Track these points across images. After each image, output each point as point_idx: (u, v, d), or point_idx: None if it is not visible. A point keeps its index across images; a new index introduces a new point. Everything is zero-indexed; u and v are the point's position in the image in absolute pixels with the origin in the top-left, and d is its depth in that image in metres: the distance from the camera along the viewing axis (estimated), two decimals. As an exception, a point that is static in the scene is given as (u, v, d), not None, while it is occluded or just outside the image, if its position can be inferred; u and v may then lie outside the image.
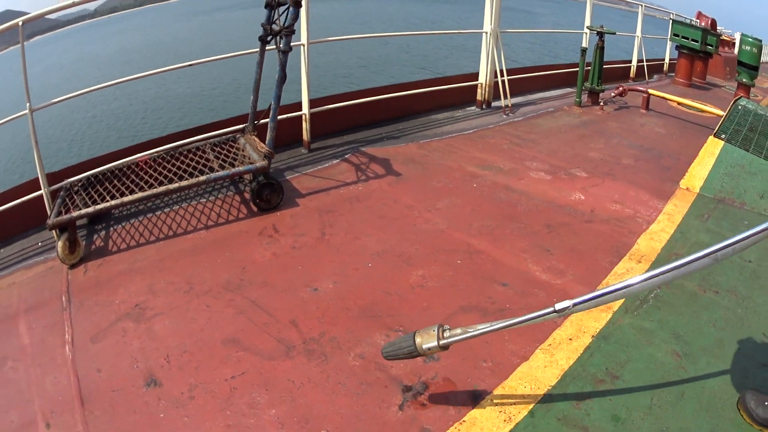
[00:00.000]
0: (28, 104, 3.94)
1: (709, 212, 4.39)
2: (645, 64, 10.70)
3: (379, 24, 52.86)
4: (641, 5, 10.66)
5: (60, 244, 3.62)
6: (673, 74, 10.87)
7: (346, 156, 5.15)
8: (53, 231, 3.80)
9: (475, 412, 2.24)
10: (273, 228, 3.83)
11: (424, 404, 2.28)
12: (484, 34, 6.99)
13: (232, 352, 2.63)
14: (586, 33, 8.50)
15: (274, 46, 4.39)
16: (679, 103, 7.81)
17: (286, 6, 4.22)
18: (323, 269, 3.30)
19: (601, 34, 7.72)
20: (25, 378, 2.74)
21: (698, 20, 11.02)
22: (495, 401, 2.30)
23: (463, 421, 2.20)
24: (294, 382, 2.42)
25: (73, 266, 3.65)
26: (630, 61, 10.83)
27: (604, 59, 7.75)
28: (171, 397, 2.40)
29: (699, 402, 2.38)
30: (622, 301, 3.00)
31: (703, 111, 7.39)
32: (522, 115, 6.94)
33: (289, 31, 4.18)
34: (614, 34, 7.77)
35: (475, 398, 2.31)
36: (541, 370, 2.47)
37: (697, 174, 5.05)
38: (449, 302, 2.90)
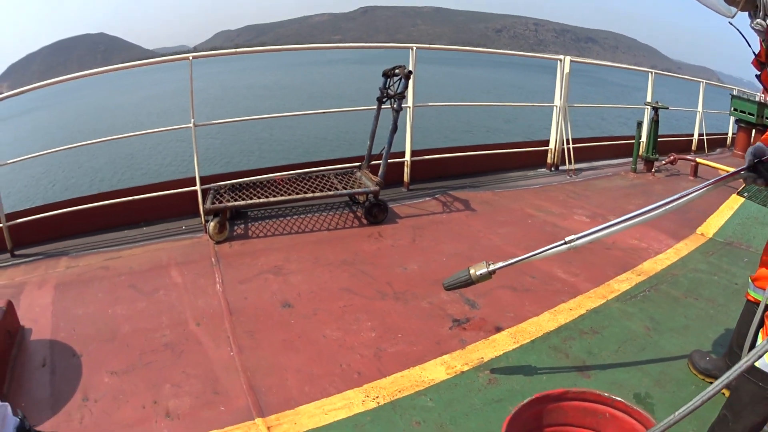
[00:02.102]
0: (192, 120, 5.33)
1: (715, 251, 5.35)
2: (705, 137, 11.29)
3: (475, 87, 55.25)
4: (702, 82, 11.38)
5: (212, 224, 5.01)
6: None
7: (436, 196, 6.51)
8: (208, 215, 5.12)
9: (495, 336, 3.57)
10: (378, 234, 5.27)
11: (465, 328, 3.64)
12: (554, 107, 8.17)
13: (344, 294, 4.06)
14: (646, 108, 9.23)
15: (388, 106, 5.73)
16: (722, 171, 8.24)
17: (399, 77, 5.58)
18: (412, 259, 4.72)
19: (656, 109, 8.64)
20: (176, 300, 3.99)
21: (765, 95, 10.77)
22: (510, 332, 3.62)
23: (487, 339, 3.54)
24: (384, 311, 3.84)
25: (218, 243, 5.02)
26: (692, 135, 11.45)
27: (667, 132, 8.67)
28: (300, 313, 3.80)
29: (655, 355, 3.43)
30: (617, 293, 4.25)
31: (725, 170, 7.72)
32: (583, 177, 8.05)
33: (401, 96, 5.51)
34: (667, 108, 8.64)
35: (498, 329, 3.64)
36: (545, 322, 3.77)
37: (714, 223, 6.02)
38: (494, 283, 4.17)
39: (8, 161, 5.28)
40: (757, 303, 2.85)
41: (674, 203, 2.92)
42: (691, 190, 2.91)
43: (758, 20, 2.19)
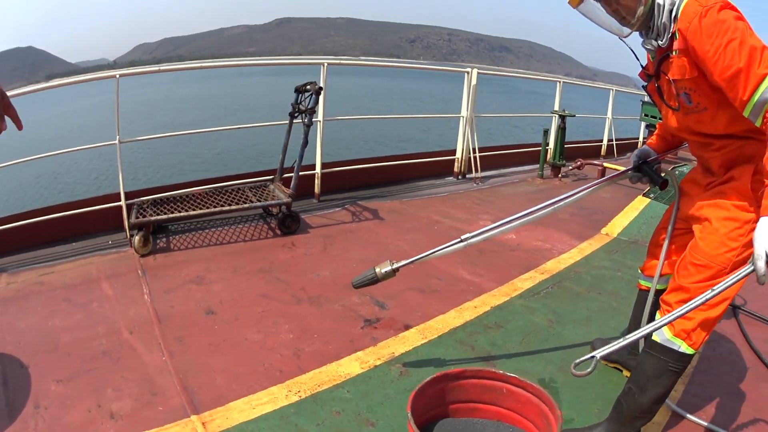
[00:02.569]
0: (117, 137, 5.43)
1: (619, 249, 5.67)
2: (615, 142, 11.68)
3: (383, 99, 56.05)
4: (612, 90, 11.82)
5: (137, 238, 5.08)
6: None
7: (346, 206, 6.69)
8: (133, 229, 5.23)
9: (405, 333, 3.76)
10: (291, 243, 5.42)
11: (376, 327, 3.82)
12: (461, 118, 8.45)
13: (263, 300, 4.20)
14: (553, 116, 9.60)
15: (300, 121, 5.91)
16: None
17: (310, 93, 5.79)
18: (323, 265, 4.89)
19: (562, 117, 9.04)
20: (110, 311, 4.07)
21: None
22: (418, 329, 3.81)
23: (397, 336, 3.72)
24: (300, 314, 3.99)
25: (143, 256, 5.09)
26: (602, 140, 11.84)
27: (579, 138, 9.02)
28: (223, 319, 3.93)
29: (559, 345, 3.68)
30: (520, 290, 4.51)
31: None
32: (490, 184, 8.36)
33: (312, 111, 5.70)
34: (573, 116, 9.11)
35: (407, 327, 3.83)
36: (451, 319, 3.98)
37: (618, 223, 6.35)
38: (402, 285, 4.43)
39: None
40: (647, 290, 3.12)
41: (564, 201, 3.27)
42: (579, 189, 3.24)
43: (650, 40, 2.42)
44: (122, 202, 5.57)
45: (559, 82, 10.25)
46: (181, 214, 5.39)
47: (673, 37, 2.29)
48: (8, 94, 1.68)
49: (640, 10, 2.29)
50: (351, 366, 3.36)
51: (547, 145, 9.14)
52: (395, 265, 3.23)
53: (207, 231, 5.75)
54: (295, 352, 3.51)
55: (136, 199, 5.70)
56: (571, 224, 6.49)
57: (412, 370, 3.34)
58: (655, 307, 2.85)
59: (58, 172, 22.97)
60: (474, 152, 8.55)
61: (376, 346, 3.61)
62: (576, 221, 6.64)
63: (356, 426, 2.83)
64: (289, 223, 5.67)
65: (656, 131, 3.06)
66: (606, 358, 3.16)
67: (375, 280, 3.28)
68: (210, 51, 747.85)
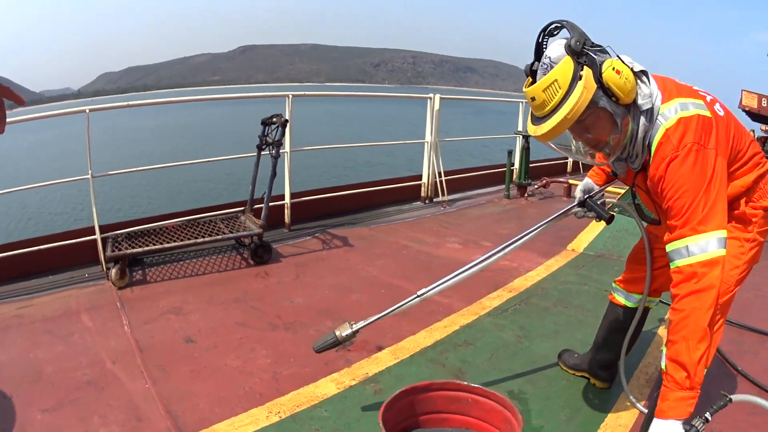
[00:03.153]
0: (90, 171, 5.56)
1: (586, 264, 5.86)
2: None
3: (349, 124, 56.64)
4: None
5: (114, 271, 5.19)
6: None
7: (316, 234, 6.83)
8: (109, 262, 5.30)
9: (378, 354, 3.91)
10: (264, 273, 5.55)
11: (349, 350, 3.95)
12: (426, 143, 8.63)
13: (239, 328, 4.33)
14: (517, 136, 9.84)
15: (267, 152, 6.05)
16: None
17: (276, 125, 5.95)
18: (297, 293, 5.02)
19: (526, 138, 9.25)
20: (91, 342, 4.17)
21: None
22: (390, 350, 3.96)
23: (370, 357, 3.87)
24: (276, 340, 4.13)
25: (120, 288, 5.18)
26: (567, 158, 11.71)
27: (543, 157, 9.25)
28: (201, 347, 4.05)
29: (527, 358, 3.84)
30: (489, 309, 4.67)
31: (617, 193, 8.00)
32: (457, 207, 8.54)
33: (279, 143, 5.86)
34: None
35: (379, 348, 3.98)
36: (422, 339, 4.13)
37: (584, 239, 6.53)
38: (372, 310, 4.48)
39: None
40: (620, 305, 3.29)
41: (515, 244, 3.49)
42: (530, 230, 3.44)
43: (621, 162, 2.58)
44: (97, 236, 5.68)
45: (522, 102, 10.45)
46: (156, 246, 5.50)
47: (646, 163, 2.41)
48: None
49: (613, 140, 2.36)
50: (327, 387, 3.49)
51: (512, 165, 9.33)
52: (355, 327, 3.30)
53: (182, 263, 5.85)
54: (273, 376, 3.64)
55: (110, 233, 5.80)
56: (537, 242, 6.54)
57: (385, 387, 3.47)
58: (641, 324, 3.12)
59: (28, 204, 23.01)
60: (440, 176, 8.73)
61: (351, 367, 3.74)
62: (543, 239, 6.70)
63: (334, 443, 2.95)
64: (261, 253, 5.80)
65: None
66: (574, 367, 3.34)
67: (336, 343, 3.30)
68: (175, 80, 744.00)
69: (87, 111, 5.52)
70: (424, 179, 8.85)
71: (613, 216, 2.97)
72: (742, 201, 2.45)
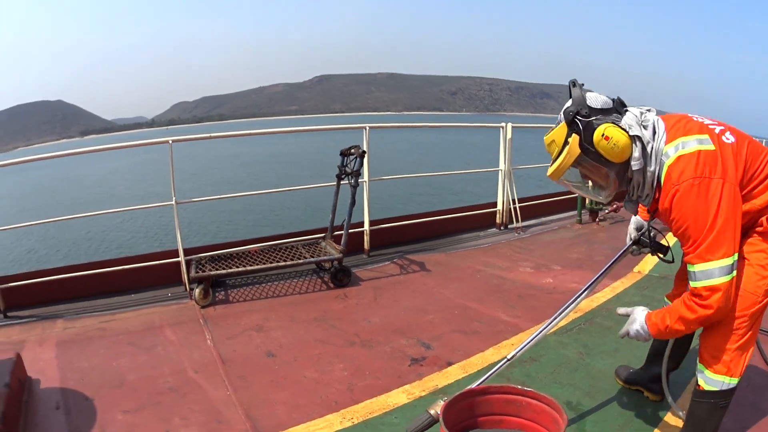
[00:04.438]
0: (174, 198, 5.98)
1: (650, 285, 5.97)
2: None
3: (426, 152, 57.15)
4: None
5: (198, 290, 5.60)
6: None
7: (394, 260, 7.14)
8: (193, 282, 5.69)
9: (447, 369, 4.19)
10: (344, 295, 5.89)
11: (422, 365, 4.25)
12: (499, 171, 8.89)
13: (319, 344, 4.67)
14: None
15: (346, 182, 6.40)
16: None
17: (355, 156, 6.29)
18: (374, 313, 5.35)
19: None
20: (174, 354, 4.54)
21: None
22: (459, 365, 4.23)
23: (440, 371, 4.15)
24: (353, 355, 4.45)
25: (203, 307, 5.58)
26: None
27: None
28: (282, 360, 4.40)
29: (587, 373, 4.06)
30: (554, 328, 4.85)
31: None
32: (531, 233, 8.72)
33: (357, 174, 6.18)
34: None
35: (449, 364, 4.26)
36: (490, 355, 4.40)
37: (650, 260, 6.59)
38: (446, 328, 4.91)
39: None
40: None
41: (587, 289, 3.75)
42: (590, 281, 3.71)
43: (631, 203, 3.00)
44: (181, 258, 6.08)
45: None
46: (239, 269, 5.87)
47: (655, 201, 2.74)
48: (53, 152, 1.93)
49: (607, 186, 2.82)
50: (399, 397, 3.78)
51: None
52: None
53: (263, 285, 6.23)
54: (348, 387, 3.95)
55: (194, 256, 6.20)
56: (605, 266, 6.80)
57: (453, 398, 3.76)
58: (689, 338, 3.44)
59: (107, 226, 24.20)
60: (514, 203, 8.96)
61: (422, 380, 4.02)
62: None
63: (404, 446, 3.26)
64: (341, 277, 6.15)
65: None
66: (629, 381, 3.59)
67: (432, 422, 2.99)
68: (251, 110, 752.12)
69: (170, 142, 5.94)
70: (499, 206, 9.06)
71: (668, 248, 3.23)
72: (764, 218, 2.63)
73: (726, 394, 2.73)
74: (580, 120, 2.61)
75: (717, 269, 2.44)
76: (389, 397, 3.80)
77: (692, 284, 2.52)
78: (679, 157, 2.52)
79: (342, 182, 6.70)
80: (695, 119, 2.70)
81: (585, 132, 2.60)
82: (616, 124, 2.59)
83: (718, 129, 2.63)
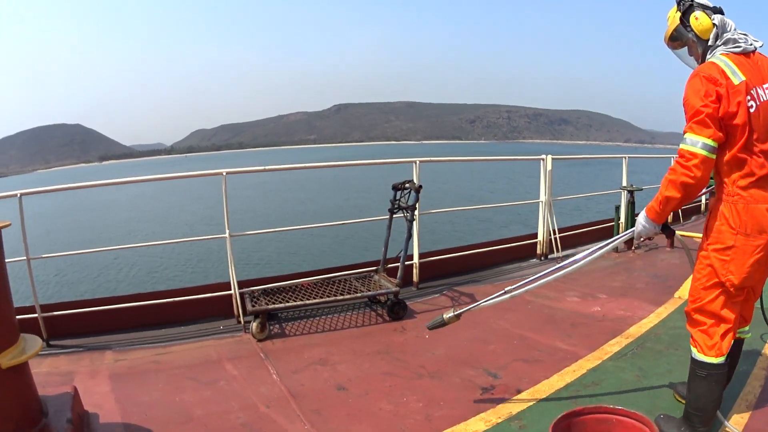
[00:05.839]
0: (227, 231, 6.20)
1: (692, 309, 6.32)
2: (680, 209, 11.92)
3: (469, 183, 57.59)
4: (673, 158, 12.42)
5: (255, 324, 5.71)
6: None
7: (443, 292, 7.35)
8: (250, 316, 5.79)
9: (517, 396, 4.39)
10: (402, 327, 6.09)
11: (492, 393, 4.45)
12: (540, 203, 9.16)
13: (387, 377, 4.85)
14: (622, 192, 10.17)
15: (399, 215, 6.66)
16: (696, 238, 9.27)
17: (408, 190, 6.54)
18: (437, 345, 5.54)
19: (631, 192, 9.69)
20: (239, 388, 4.60)
21: None
22: (528, 392, 4.43)
23: (511, 398, 4.35)
24: (424, 387, 4.64)
25: (260, 341, 5.68)
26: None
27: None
28: (354, 394, 4.55)
29: (646, 394, 4.27)
30: (610, 354, 5.12)
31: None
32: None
33: (413, 208, 6.42)
34: (641, 190, 9.71)
35: (518, 391, 4.46)
36: (555, 382, 4.60)
37: (689, 286, 6.96)
38: (509, 358, 5.12)
39: (44, 255, 6.05)
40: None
41: (584, 260, 4.31)
42: (588, 251, 4.28)
43: None
44: (234, 291, 6.23)
45: (625, 158, 10.94)
46: (297, 303, 6.03)
47: None
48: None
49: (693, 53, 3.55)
50: (477, 424, 3.97)
51: (619, 219, 9.73)
52: (457, 312, 4.45)
53: (317, 318, 6.39)
54: (426, 417, 4.13)
55: (246, 288, 6.33)
56: (647, 293, 7.08)
57: (528, 423, 3.95)
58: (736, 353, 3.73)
59: (153, 256, 24.61)
60: (554, 233, 9.22)
61: (495, 408, 4.22)
62: (652, 289, 7.24)
63: (493, 467, 3.46)
64: (397, 310, 6.33)
65: None
66: (682, 395, 3.88)
67: (443, 323, 4.47)
68: (270, 138, 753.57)
69: (224, 174, 6.16)
70: (540, 237, 9.31)
71: (666, 225, 3.74)
72: (729, 180, 3.25)
73: (698, 364, 3.39)
74: (684, 2, 3.40)
75: (701, 142, 3.07)
76: (468, 425, 3.98)
77: (681, 145, 3.16)
78: (710, 62, 3.21)
79: (395, 216, 6.90)
80: (764, 73, 3.19)
81: (685, 11, 3.38)
82: (707, 14, 3.29)
83: (765, 92, 3.13)
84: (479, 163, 68.57)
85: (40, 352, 3.58)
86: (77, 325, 5.93)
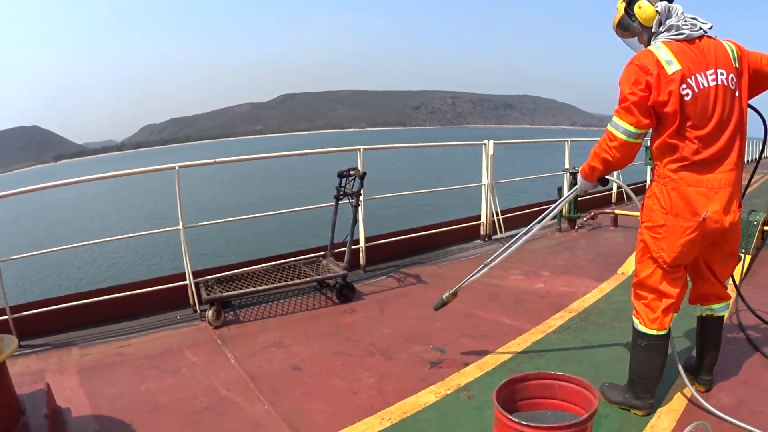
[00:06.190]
0: (181, 222, 6.20)
1: (636, 285, 6.52)
2: (624, 189, 12.27)
3: (410, 168, 57.97)
4: None
5: (211, 312, 5.75)
6: None
7: (390, 274, 7.46)
8: (205, 304, 5.84)
9: (465, 369, 4.51)
10: (351, 309, 6.19)
11: (441, 367, 4.57)
12: (482, 186, 9.33)
13: (339, 356, 4.94)
14: (565, 174, 10.53)
15: (344, 201, 6.78)
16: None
17: (354, 177, 6.65)
18: (384, 324, 5.65)
19: (573, 174, 9.90)
20: (200, 375, 4.67)
21: None
22: (475, 365, 4.56)
23: (459, 372, 4.48)
24: (375, 364, 4.75)
25: (216, 328, 5.74)
26: (611, 189, 12.66)
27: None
28: (309, 373, 4.63)
29: (591, 364, 4.45)
30: (554, 327, 5.30)
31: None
32: (514, 242, 9.16)
33: (358, 194, 6.54)
34: None
35: (466, 365, 4.59)
36: (501, 355, 4.75)
37: (632, 262, 6.83)
38: (454, 333, 5.25)
39: (12, 257, 5.96)
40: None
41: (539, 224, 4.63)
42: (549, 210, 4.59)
43: None
44: (189, 281, 6.25)
45: (567, 141, 11.17)
46: (250, 289, 6.10)
47: None
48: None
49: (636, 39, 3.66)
50: (427, 396, 4.09)
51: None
52: (453, 290, 4.84)
53: (269, 304, 6.46)
54: (379, 392, 4.23)
55: (201, 278, 6.38)
56: (590, 269, 7.31)
57: (477, 394, 4.08)
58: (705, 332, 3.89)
59: (104, 252, 24.58)
60: (497, 215, 9.41)
61: (444, 380, 4.35)
62: (595, 266, 7.46)
63: (442, 438, 3.59)
64: (346, 292, 6.43)
65: None
66: (685, 367, 3.91)
67: (444, 303, 4.87)
68: (217, 130, 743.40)
69: (177, 168, 6.15)
70: (483, 219, 9.49)
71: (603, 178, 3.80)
72: (661, 164, 3.41)
73: (638, 334, 3.59)
74: None
75: (623, 127, 3.26)
76: (419, 397, 4.10)
77: (608, 125, 3.36)
78: (647, 50, 3.31)
79: (340, 202, 7.02)
80: (708, 59, 3.24)
81: (630, 1, 3.48)
82: (652, 3, 3.37)
83: (709, 72, 3.21)
84: (424, 149, 68.84)
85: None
86: (44, 324, 5.92)
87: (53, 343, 5.68)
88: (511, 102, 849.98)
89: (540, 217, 4.51)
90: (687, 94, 3.12)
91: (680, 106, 3.13)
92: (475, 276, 4.72)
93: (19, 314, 5.74)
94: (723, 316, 3.78)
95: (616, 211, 10.04)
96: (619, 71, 3.38)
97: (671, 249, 3.33)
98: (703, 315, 3.78)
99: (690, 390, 3.71)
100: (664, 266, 3.39)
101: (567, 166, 10.72)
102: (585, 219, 10.05)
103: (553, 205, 4.49)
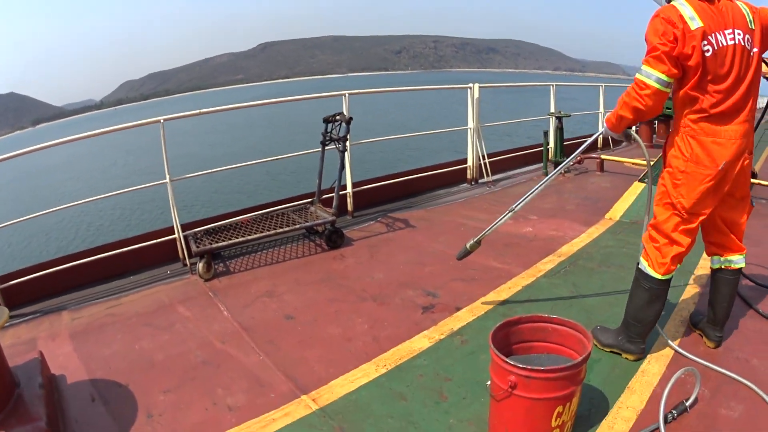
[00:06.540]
0: (168, 176, 6.11)
1: (622, 230, 6.47)
2: (641, 147, 12.23)
3: (398, 111, 57.74)
4: (601, 86, 12.78)
5: (201, 264, 5.68)
6: None
7: (378, 219, 7.47)
8: (195, 257, 5.81)
9: (457, 313, 4.57)
10: (340, 255, 6.20)
11: (433, 312, 4.63)
12: (468, 129, 9.28)
13: (332, 303, 4.97)
14: (551, 117, 10.41)
15: (331, 147, 6.76)
16: (625, 162, 9.58)
17: (340, 122, 6.60)
18: (375, 270, 5.67)
19: (559, 119, 9.86)
20: (194, 329, 4.62)
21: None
22: (467, 309, 4.62)
23: (451, 316, 4.54)
24: (368, 310, 4.78)
25: (207, 280, 5.67)
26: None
27: (574, 135, 9.88)
28: (302, 321, 4.66)
29: (581, 308, 4.53)
30: (544, 271, 5.35)
31: (642, 165, 8.97)
32: (500, 186, 9.16)
33: (345, 139, 6.51)
34: (569, 116, 9.96)
35: (458, 309, 4.65)
36: (493, 298, 4.81)
37: (619, 208, 7.17)
38: (446, 277, 5.29)
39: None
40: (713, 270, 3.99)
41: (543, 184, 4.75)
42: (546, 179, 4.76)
43: None
44: (177, 235, 6.21)
45: (552, 86, 11.10)
46: (240, 239, 6.03)
47: None
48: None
49: None
50: (421, 342, 4.15)
51: (548, 144, 9.89)
52: (477, 238, 4.70)
53: (259, 253, 6.43)
54: (373, 338, 4.27)
55: (189, 231, 6.29)
56: (578, 213, 7.33)
57: (469, 338, 4.14)
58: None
59: (91, 212, 24.76)
60: (483, 159, 9.40)
61: (437, 325, 4.40)
62: (582, 210, 7.48)
63: (437, 382, 3.62)
64: (335, 239, 6.44)
65: None
66: (694, 323, 4.07)
67: (469, 251, 4.72)
68: (196, 82, 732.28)
69: (162, 121, 6.05)
70: (470, 162, 9.47)
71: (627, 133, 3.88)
72: (688, 118, 3.40)
73: (643, 276, 3.66)
74: None
75: (655, 76, 3.22)
76: (413, 342, 4.15)
77: (637, 74, 3.31)
78: (670, 5, 3.27)
79: (327, 148, 6.96)
80: (727, 19, 3.24)
81: None
82: None
83: (728, 31, 3.21)
84: (408, 93, 68.53)
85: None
86: (32, 291, 5.79)
87: (43, 309, 5.55)
88: (494, 46, 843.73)
89: (574, 154, 4.77)
90: (708, 51, 3.16)
91: (702, 61, 3.17)
92: (500, 222, 4.67)
93: (6, 284, 5.62)
94: (740, 269, 3.80)
95: (603, 156, 10.03)
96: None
97: (690, 195, 3.37)
98: (722, 267, 3.79)
99: (672, 345, 3.87)
100: (683, 212, 3.44)
101: (552, 110, 10.64)
102: (572, 164, 10.05)
103: (587, 142, 4.77)
